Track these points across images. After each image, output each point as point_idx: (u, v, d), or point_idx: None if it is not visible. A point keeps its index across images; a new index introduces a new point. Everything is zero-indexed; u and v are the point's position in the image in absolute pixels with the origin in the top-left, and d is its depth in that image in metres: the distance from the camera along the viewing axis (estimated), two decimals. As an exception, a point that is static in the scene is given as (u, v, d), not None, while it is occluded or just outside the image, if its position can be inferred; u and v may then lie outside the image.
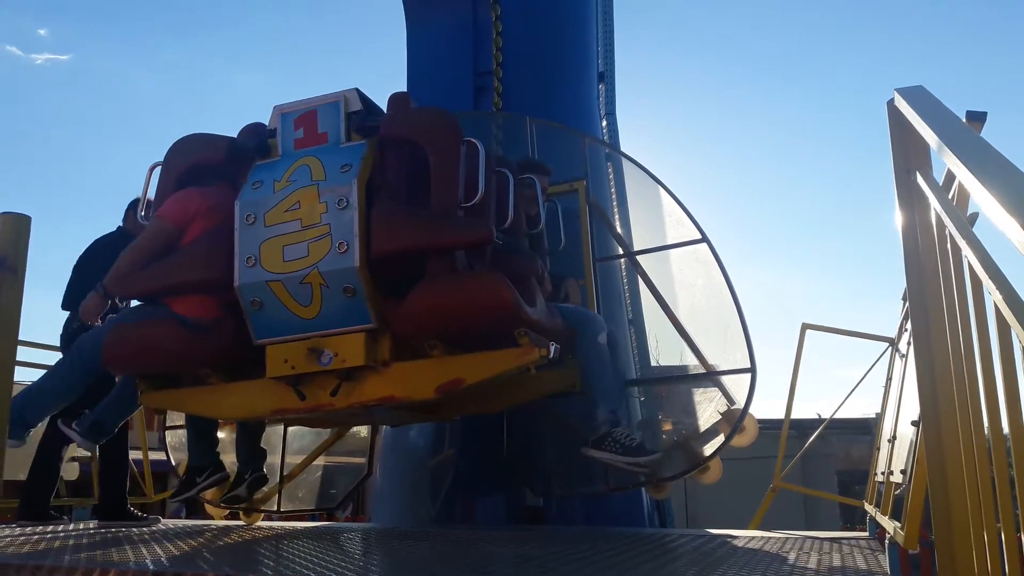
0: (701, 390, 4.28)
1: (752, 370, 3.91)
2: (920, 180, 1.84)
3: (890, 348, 4.68)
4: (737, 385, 4.04)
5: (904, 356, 3.20)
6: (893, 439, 3.14)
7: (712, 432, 4.08)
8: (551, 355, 3.22)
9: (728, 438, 3.91)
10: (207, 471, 4.13)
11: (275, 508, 4.71)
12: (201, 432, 4.20)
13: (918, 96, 1.88)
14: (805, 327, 5.94)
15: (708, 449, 4.03)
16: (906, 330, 3.38)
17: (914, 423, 2.38)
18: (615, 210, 4.92)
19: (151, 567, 2.43)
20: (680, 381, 4.47)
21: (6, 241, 2.07)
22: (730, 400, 4.01)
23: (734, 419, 3.94)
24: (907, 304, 3.37)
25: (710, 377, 4.11)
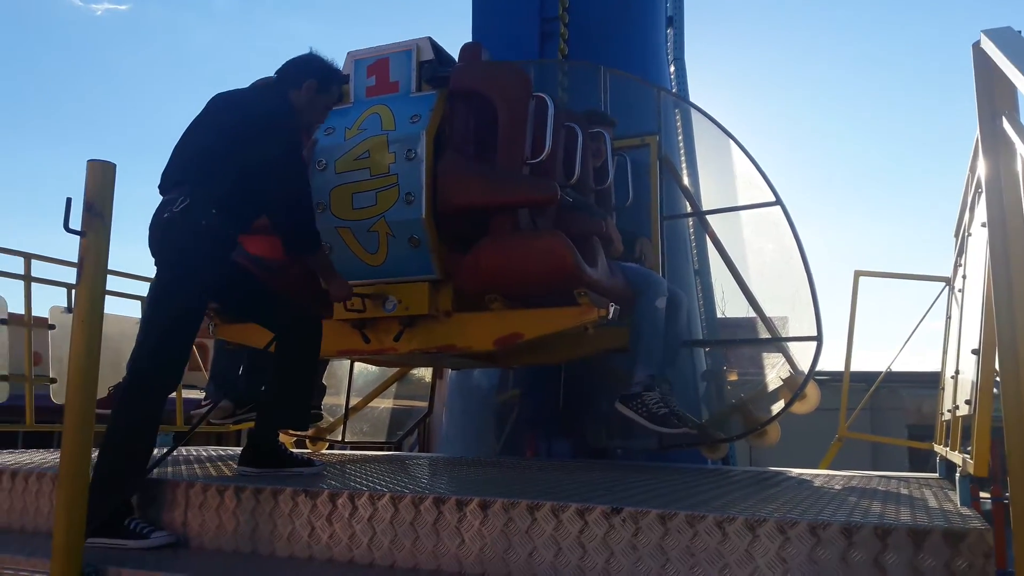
0: (765, 355, 4.22)
1: (818, 338, 3.82)
2: (1006, 125, 1.77)
3: (946, 287, 4.48)
4: (802, 352, 3.97)
5: (961, 291, 3.08)
6: (956, 374, 3.05)
7: (772, 397, 4.04)
8: (610, 316, 3.22)
9: (788, 404, 3.87)
10: (248, 406, 4.01)
11: (340, 439, 4.93)
12: (255, 368, 4.08)
13: (1006, 38, 1.81)
14: (858, 274, 5.71)
15: (767, 414, 4.00)
16: (960, 265, 3.24)
17: (974, 351, 2.33)
18: (683, 162, 4.80)
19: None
20: (745, 344, 4.41)
21: (94, 188, 2.18)
22: (794, 367, 3.95)
23: (795, 385, 3.89)
24: (960, 240, 3.23)
25: (775, 343, 4.05)
